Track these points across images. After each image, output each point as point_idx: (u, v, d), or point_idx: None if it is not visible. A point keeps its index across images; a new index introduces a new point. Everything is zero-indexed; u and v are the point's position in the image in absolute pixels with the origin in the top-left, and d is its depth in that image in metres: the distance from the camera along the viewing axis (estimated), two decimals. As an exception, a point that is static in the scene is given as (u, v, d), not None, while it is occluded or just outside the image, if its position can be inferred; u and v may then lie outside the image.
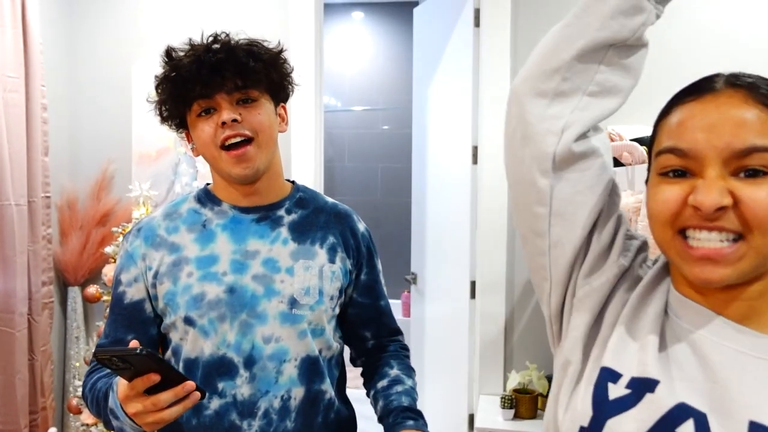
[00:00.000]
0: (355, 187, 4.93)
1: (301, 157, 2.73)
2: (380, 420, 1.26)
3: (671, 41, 2.51)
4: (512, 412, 2.43)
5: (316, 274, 1.22)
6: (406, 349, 1.42)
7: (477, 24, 2.68)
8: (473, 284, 2.74)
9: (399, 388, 1.28)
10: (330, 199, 1.38)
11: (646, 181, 0.75)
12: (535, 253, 0.80)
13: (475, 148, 2.72)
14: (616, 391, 0.69)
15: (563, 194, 0.76)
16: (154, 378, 0.94)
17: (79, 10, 2.89)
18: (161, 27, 2.82)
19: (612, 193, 0.80)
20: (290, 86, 1.28)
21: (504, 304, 2.67)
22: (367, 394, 1.35)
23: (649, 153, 0.74)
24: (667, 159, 0.67)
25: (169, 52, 1.21)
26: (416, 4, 3.24)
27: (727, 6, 2.46)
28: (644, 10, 0.74)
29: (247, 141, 1.17)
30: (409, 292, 4.18)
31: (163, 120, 1.26)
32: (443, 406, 2.99)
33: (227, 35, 1.22)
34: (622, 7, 0.74)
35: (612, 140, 1.80)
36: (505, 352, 2.69)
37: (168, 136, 2.82)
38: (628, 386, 0.69)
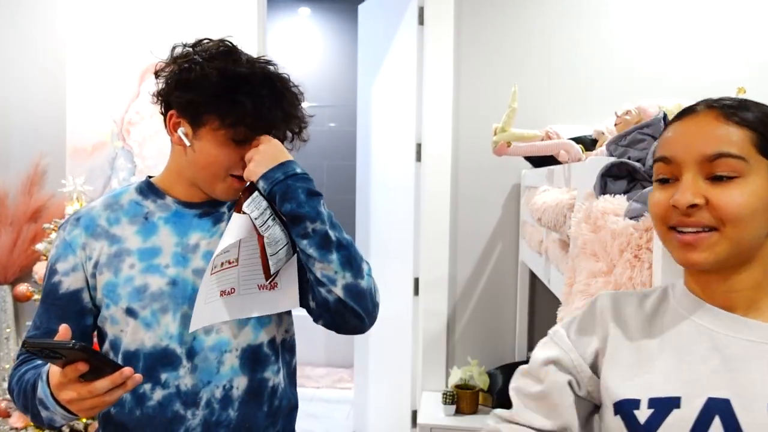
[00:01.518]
0: (300, 184, 4.90)
1: (244, 152, 2.69)
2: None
3: (607, 53, 2.58)
4: (454, 407, 2.46)
5: None
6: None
7: (421, 22, 2.70)
8: (416, 281, 2.75)
9: None
10: None
11: None
12: None
13: (418, 146, 2.73)
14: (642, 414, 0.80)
15: None
16: (82, 368, 0.93)
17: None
18: (97, 18, 2.72)
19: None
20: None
21: (446, 300, 2.70)
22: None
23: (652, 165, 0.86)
24: (659, 167, 0.81)
25: (230, 51, 1.19)
26: (362, 0, 3.23)
27: (656, 26, 2.55)
28: None
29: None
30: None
31: (165, 94, 1.21)
32: (387, 403, 3.00)
33: (284, 72, 1.24)
34: None
35: (550, 138, 1.84)
36: (447, 349, 2.71)
37: (104, 130, 2.73)
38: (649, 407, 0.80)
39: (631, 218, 1.09)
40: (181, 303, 1.19)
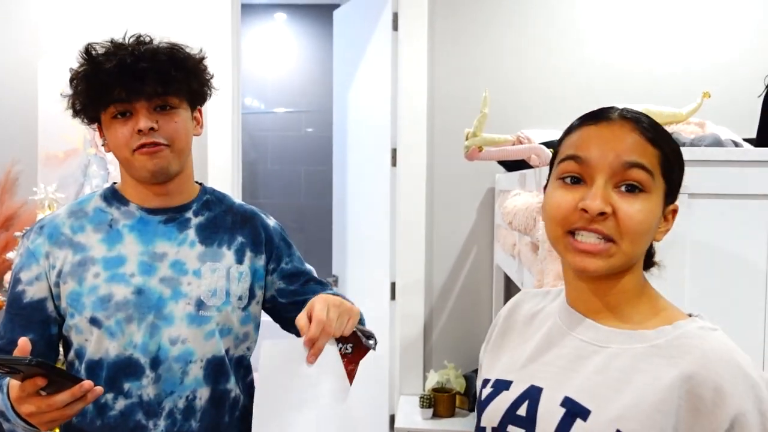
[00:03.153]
0: (278, 190, 4.88)
1: (219, 159, 2.68)
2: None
3: (580, 58, 2.62)
4: (431, 411, 2.47)
5: (223, 276, 1.24)
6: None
7: (395, 28, 2.71)
8: (393, 285, 2.76)
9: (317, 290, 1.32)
10: (237, 201, 1.39)
11: (545, 187, 0.89)
12: None
13: (394, 151, 2.75)
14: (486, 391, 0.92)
15: None
16: (40, 382, 0.93)
17: (-21, 4, 2.74)
18: (69, 24, 2.70)
19: None
20: (209, 92, 1.30)
21: (423, 304, 2.71)
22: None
23: (551, 164, 0.87)
24: (568, 165, 0.82)
25: (88, 50, 1.19)
26: (337, 6, 3.24)
27: (628, 31, 2.59)
28: None
29: (164, 146, 1.19)
30: (332, 294, 4.16)
31: (76, 113, 1.24)
32: (366, 408, 3.00)
33: (151, 39, 1.21)
34: None
35: (521, 143, 1.86)
36: (424, 352, 2.72)
37: (77, 136, 2.71)
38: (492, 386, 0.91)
39: (596, 221, 1.11)
40: (147, 312, 1.18)
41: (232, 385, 1.25)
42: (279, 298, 1.34)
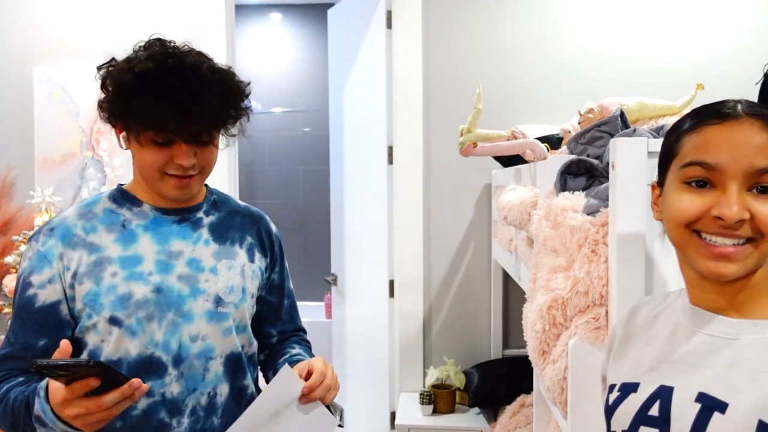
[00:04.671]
0: (276, 190, 4.88)
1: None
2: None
3: (575, 53, 2.62)
4: (431, 407, 2.47)
5: (238, 273, 1.26)
6: (308, 342, 1.47)
7: (389, 26, 2.71)
8: (392, 283, 2.76)
9: (300, 356, 1.35)
10: (241, 202, 1.41)
11: (659, 183, 0.86)
12: None
13: (390, 149, 2.75)
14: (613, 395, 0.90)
15: None
16: (93, 383, 0.94)
17: (-26, 9, 2.74)
18: (64, 27, 2.71)
19: None
20: (243, 118, 1.28)
21: (422, 302, 2.71)
22: (267, 376, 1.38)
23: (667, 162, 0.84)
24: (694, 170, 0.78)
25: (152, 52, 1.14)
26: (332, 5, 3.24)
27: (616, 29, 2.59)
28: None
29: (195, 173, 1.20)
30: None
31: (103, 111, 1.20)
32: (366, 406, 3.01)
33: (211, 60, 1.18)
34: None
35: (516, 138, 1.86)
36: (424, 349, 2.73)
37: (73, 140, 2.71)
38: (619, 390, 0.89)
39: (588, 214, 1.12)
40: (167, 310, 1.18)
41: (249, 381, 1.28)
42: (257, 305, 1.36)
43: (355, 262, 3.06)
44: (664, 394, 0.81)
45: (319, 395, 1.14)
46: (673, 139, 0.84)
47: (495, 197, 2.53)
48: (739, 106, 0.79)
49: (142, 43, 1.19)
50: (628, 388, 0.86)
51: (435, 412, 2.49)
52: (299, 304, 4.57)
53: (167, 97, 1.11)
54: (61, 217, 1.24)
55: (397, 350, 2.74)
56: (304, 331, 1.47)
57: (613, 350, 0.95)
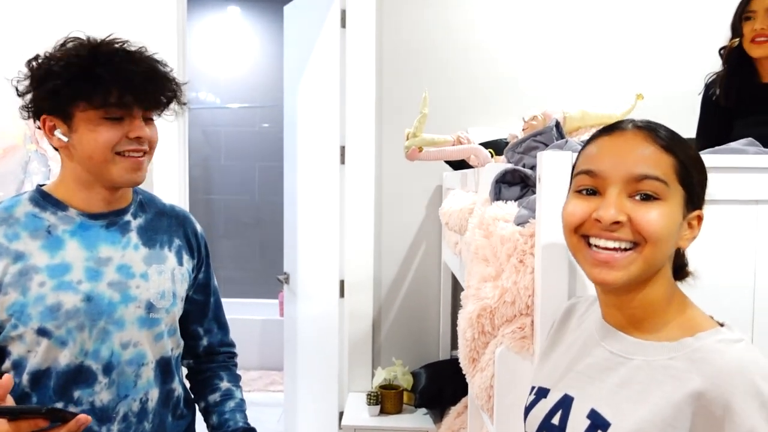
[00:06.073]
0: (232, 186, 4.83)
1: (164, 154, 2.64)
2: None
3: (527, 56, 2.65)
4: (378, 408, 2.48)
5: (169, 278, 1.26)
6: (233, 356, 1.48)
7: (343, 25, 2.70)
8: (342, 283, 2.76)
9: (231, 404, 1.36)
10: (167, 201, 1.39)
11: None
12: None
13: (342, 149, 2.74)
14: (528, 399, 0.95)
15: None
16: (42, 424, 0.93)
17: None
18: (5, 19, 2.62)
19: None
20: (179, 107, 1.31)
21: (371, 302, 2.72)
22: (197, 402, 1.40)
23: (571, 175, 0.89)
24: (582, 179, 0.83)
25: (84, 42, 1.16)
26: (288, 1, 3.21)
27: (565, 38, 2.63)
28: None
29: (144, 153, 1.20)
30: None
31: (31, 101, 1.18)
32: (315, 406, 3.00)
33: (145, 48, 1.21)
34: None
35: (461, 143, 1.87)
36: (373, 349, 2.73)
37: (16, 132, 2.64)
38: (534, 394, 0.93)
39: (518, 224, 1.13)
40: (98, 319, 1.17)
41: (177, 384, 1.30)
42: (184, 304, 1.36)
43: (307, 260, 3.05)
44: (566, 405, 0.84)
45: None
46: (578, 153, 0.88)
47: (445, 199, 2.55)
48: (631, 123, 0.84)
49: (61, 42, 1.18)
50: (541, 393, 0.90)
51: (382, 412, 2.49)
52: (254, 301, 4.57)
53: (119, 70, 1.12)
54: None
55: (346, 350, 2.74)
56: (232, 344, 1.47)
57: (542, 351, 0.98)
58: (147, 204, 1.32)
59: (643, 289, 0.81)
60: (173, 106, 1.26)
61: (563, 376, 0.87)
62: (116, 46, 1.17)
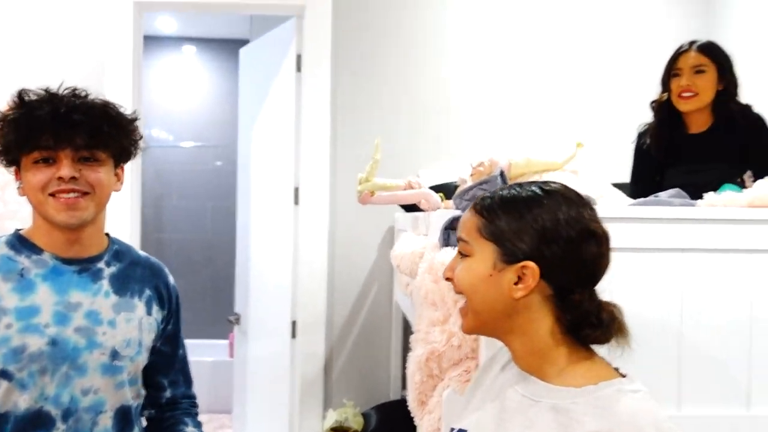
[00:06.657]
0: (184, 225, 4.78)
1: (116, 194, 2.61)
2: None
3: (479, 99, 2.75)
4: (329, 450, 2.46)
5: (136, 326, 1.27)
6: (196, 406, 1.48)
7: (299, 69, 2.76)
8: (294, 324, 2.76)
9: None
10: (142, 253, 1.41)
11: None
12: None
13: (296, 189, 2.77)
14: None
15: None
16: None
17: None
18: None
19: None
20: (135, 151, 1.31)
21: (323, 343, 2.72)
22: None
23: None
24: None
25: (22, 95, 1.20)
26: (246, 41, 3.26)
27: (512, 81, 2.75)
28: None
29: (83, 194, 1.19)
30: (237, 332, 4.10)
31: (5, 158, 1.23)
32: (265, 449, 2.96)
33: (87, 93, 1.23)
34: None
35: (412, 187, 1.93)
36: (324, 391, 2.73)
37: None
38: None
39: (464, 270, 1.18)
40: (61, 363, 1.17)
41: None
42: (150, 355, 1.35)
43: (259, 301, 3.04)
44: None
45: None
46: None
47: (397, 240, 2.59)
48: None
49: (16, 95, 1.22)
50: None
51: (333, 454, 2.48)
52: (203, 342, 4.48)
53: (48, 115, 1.16)
54: None
55: (297, 392, 2.72)
56: (194, 397, 1.47)
57: (471, 382, 1.03)
58: (122, 254, 1.34)
59: (514, 338, 0.90)
60: (126, 145, 1.27)
61: (479, 420, 0.91)
62: (54, 92, 1.20)
